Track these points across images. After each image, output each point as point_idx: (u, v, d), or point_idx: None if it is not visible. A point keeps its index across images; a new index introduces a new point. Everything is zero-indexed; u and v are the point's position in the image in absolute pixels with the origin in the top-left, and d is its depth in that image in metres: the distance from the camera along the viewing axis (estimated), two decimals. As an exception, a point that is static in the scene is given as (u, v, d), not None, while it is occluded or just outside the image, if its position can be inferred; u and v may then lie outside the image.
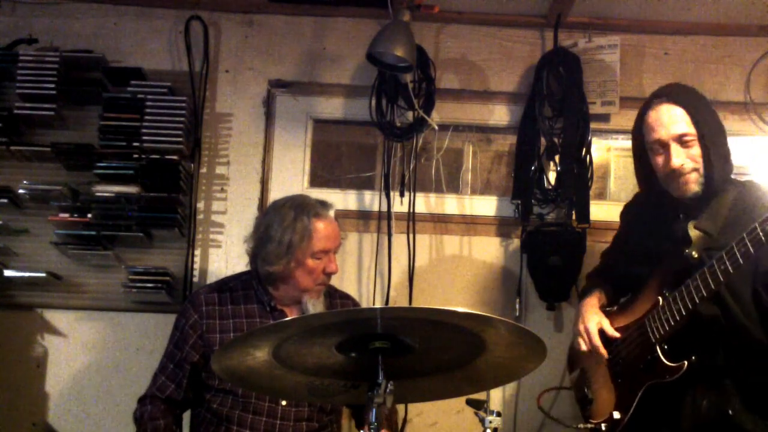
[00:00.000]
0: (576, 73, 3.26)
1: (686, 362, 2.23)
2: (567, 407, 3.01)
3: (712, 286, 2.14)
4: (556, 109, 3.25)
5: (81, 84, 3.25)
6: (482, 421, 2.00)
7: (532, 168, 3.25)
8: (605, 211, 3.39)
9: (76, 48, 3.30)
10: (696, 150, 2.31)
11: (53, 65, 3.18)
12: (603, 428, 2.45)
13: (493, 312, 3.31)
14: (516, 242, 3.34)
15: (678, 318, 2.24)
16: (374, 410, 1.73)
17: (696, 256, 2.26)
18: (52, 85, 3.17)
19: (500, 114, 3.46)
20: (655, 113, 2.35)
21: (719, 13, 3.30)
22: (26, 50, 3.27)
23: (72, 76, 3.25)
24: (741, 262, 2.05)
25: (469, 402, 2.06)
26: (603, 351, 2.48)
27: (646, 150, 2.41)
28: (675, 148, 2.31)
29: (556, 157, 3.23)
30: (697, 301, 2.18)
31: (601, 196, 3.48)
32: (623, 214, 2.73)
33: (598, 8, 3.33)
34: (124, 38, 3.39)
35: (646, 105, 2.41)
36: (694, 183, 2.31)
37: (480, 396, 2.02)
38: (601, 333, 2.50)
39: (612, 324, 2.51)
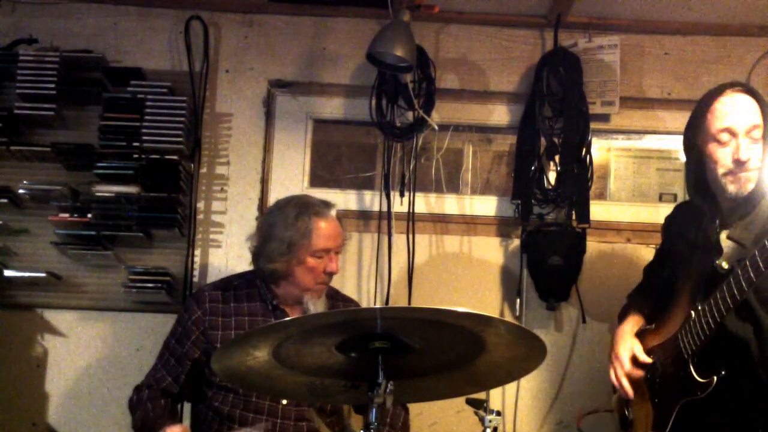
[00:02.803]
0: (576, 73, 3.26)
1: (715, 377, 2.15)
2: (606, 427, 2.93)
3: (738, 297, 2.04)
4: (556, 109, 3.25)
5: (81, 84, 3.25)
6: (482, 420, 2.00)
7: (532, 168, 3.24)
8: (605, 211, 3.39)
9: (76, 48, 3.30)
10: (760, 147, 2.19)
11: (53, 65, 3.18)
12: None
13: (493, 312, 3.32)
14: (516, 242, 3.34)
15: (708, 332, 2.16)
16: (374, 410, 1.73)
17: (726, 266, 2.14)
18: (52, 85, 3.17)
19: (500, 114, 3.45)
20: (728, 99, 2.22)
21: (719, 13, 3.30)
22: (26, 50, 3.27)
23: (72, 76, 3.24)
24: (763, 269, 1.95)
25: (469, 402, 2.06)
26: (637, 373, 2.43)
27: (700, 147, 2.27)
28: (744, 140, 2.18)
29: (556, 157, 3.22)
30: (725, 313, 2.10)
31: (601, 196, 3.48)
32: (663, 227, 2.66)
33: (598, 8, 3.32)
34: (124, 38, 3.39)
35: (711, 95, 2.26)
36: (752, 182, 2.19)
37: (480, 396, 2.02)
38: (634, 359, 2.44)
39: (650, 341, 2.45)
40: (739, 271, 2.03)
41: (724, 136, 2.21)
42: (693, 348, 2.23)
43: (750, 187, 2.19)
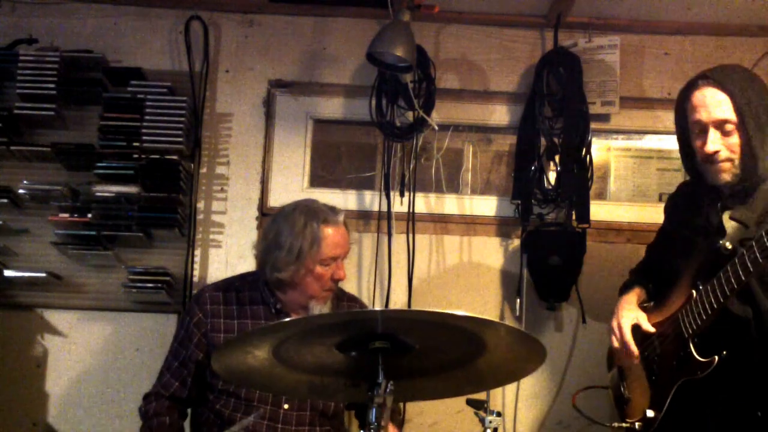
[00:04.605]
0: (576, 73, 3.26)
1: (716, 357, 2.16)
2: (602, 406, 2.94)
3: (742, 278, 2.05)
4: (556, 109, 3.25)
5: (81, 84, 3.25)
6: (482, 421, 2.00)
7: (532, 168, 3.24)
8: (605, 211, 3.39)
9: (76, 48, 3.30)
10: (735, 139, 2.22)
11: (53, 65, 3.18)
12: (637, 427, 2.40)
13: (493, 312, 3.33)
14: (516, 242, 3.34)
15: (710, 312, 2.17)
16: (374, 410, 1.73)
17: (729, 247, 2.15)
18: (52, 85, 3.17)
19: (500, 114, 3.45)
20: (699, 94, 2.26)
21: (719, 13, 3.30)
22: (26, 50, 3.27)
23: (72, 76, 3.24)
24: None
25: (469, 402, 2.06)
26: (633, 347, 2.42)
27: (689, 131, 2.33)
28: (713, 133, 2.22)
29: (556, 157, 3.22)
30: (728, 293, 2.10)
31: (601, 196, 3.48)
32: (666, 206, 2.67)
33: (598, 8, 3.32)
34: (124, 38, 3.39)
35: (690, 84, 2.31)
36: (726, 173, 2.23)
37: (480, 396, 2.02)
38: (636, 329, 2.43)
39: (648, 319, 2.45)
40: (745, 252, 2.04)
41: (696, 128, 2.29)
42: (694, 328, 2.24)
43: (725, 177, 2.24)
